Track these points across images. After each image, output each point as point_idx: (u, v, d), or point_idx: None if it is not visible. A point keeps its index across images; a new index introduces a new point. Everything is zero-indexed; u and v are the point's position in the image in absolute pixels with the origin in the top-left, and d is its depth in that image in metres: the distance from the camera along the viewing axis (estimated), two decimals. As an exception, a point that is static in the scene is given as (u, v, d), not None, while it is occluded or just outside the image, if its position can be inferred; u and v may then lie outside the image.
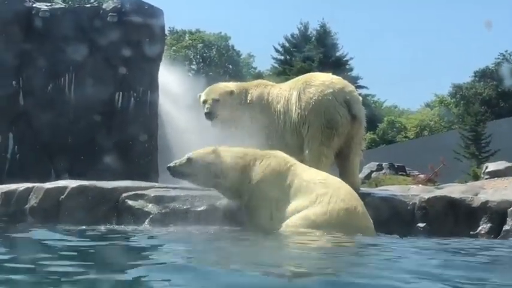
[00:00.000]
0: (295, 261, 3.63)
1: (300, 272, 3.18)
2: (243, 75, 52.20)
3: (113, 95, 16.05)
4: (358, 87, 47.82)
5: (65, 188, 6.82)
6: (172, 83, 18.98)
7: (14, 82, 15.52)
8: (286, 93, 7.11)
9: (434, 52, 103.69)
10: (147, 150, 15.96)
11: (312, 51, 49.87)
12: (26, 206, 6.92)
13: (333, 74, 7.24)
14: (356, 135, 6.92)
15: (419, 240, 5.76)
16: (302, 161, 6.61)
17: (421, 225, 6.39)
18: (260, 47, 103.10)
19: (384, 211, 6.42)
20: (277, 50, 55.31)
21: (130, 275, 2.94)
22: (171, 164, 6.03)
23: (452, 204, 6.46)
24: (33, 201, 6.90)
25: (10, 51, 15.54)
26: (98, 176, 8.08)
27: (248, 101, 7.25)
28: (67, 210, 6.69)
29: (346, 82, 7.05)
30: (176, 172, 6.00)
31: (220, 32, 59.33)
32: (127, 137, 15.75)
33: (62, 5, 20.24)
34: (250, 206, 5.89)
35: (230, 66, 56.97)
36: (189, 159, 5.97)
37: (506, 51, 44.65)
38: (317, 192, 5.56)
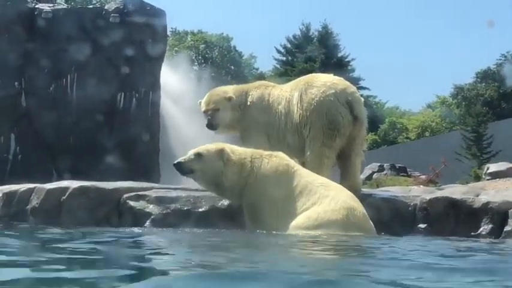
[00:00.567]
0: (297, 263, 3.63)
1: (302, 273, 3.18)
2: (244, 76, 52.18)
3: (114, 95, 16.08)
4: (360, 88, 47.80)
5: (66, 188, 6.82)
6: (174, 83, 19.02)
7: (16, 83, 15.55)
8: (288, 94, 7.11)
9: (436, 53, 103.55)
10: (149, 150, 15.99)
11: (313, 52, 49.86)
12: (28, 206, 6.93)
13: (335, 74, 7.24)
14: (357, 136, 6.91)
15: (420, 241, 5.75)
16: (304, 162, 6.62)
17: (422, 226, 6.39)
18: (262, 47, 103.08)
19: (385, 212, 6.43)
20: (279, 51, 55.34)
21: (130, 276, 2.94)
22: (179, 160, 5.96)
23: (454, 205, 6.46)
24: (34, 201, 6.90)
25: (13, 51, 15.58)
26: (100, 176, 8.09)
27: (249, 102, 7.26)
28: (68, 210, 6.70)
29: (347, 83, 7.05)
30: (184, 168, 5.92)
31: (222, 33, 59.34)
32: (129, 137, 15.77)
33: (65, 6, 20.28)
34: (252, 206, 5.88)
35: (232, 67, 56.95)
36: (198, 155, 5.93)
37: (508, 52, 44.63)
38: (319, 193, 5.59)
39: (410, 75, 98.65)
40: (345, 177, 6.96)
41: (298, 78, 7.46)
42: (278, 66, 54.95)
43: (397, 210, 6.52)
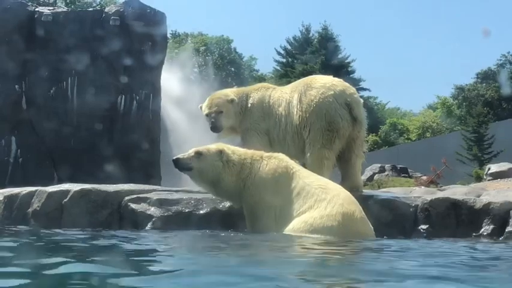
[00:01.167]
0: (294, 267, 3.62)
1: (299, 278, 3.17)
2: (245, 78, 52.23)
3: (115, 99, 16.10)
4: (360, 89, 47.88)
5: (67, 191, 6.82)
6: (174, 86, 19.03)
7: (17, 86, 15.57)
8: (287, 95, 7.12)
9: (436, 54, 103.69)
10: (150, 155, 16.00)
11: (313, 53, 49.86)
12: (29, 209, 6.93)
13: (335, 76, 7.24)
14: (357, 138, 6.91)
15: (421, 242, 5.75)
16: (304, 164, 6.61)
17: (423, 227, 6.37)
18: (262, 49, 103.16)
19: (386, 213, 6.41)
20: (279, 53, 55.39)
21: (131, 279, 2.94)
22: (178, 156, 5.96)
23: (455, 206, 6.45)
24: (35, 204, 6.90)
25: (14, 56, 15.59)
26: (101, 179, 8.11)
27: (249, 104, 7.26)
28: (70, 213, 6.69)
29: (347, 84, 7.05)
30: (182, 165, 5.92)
31: (223, 35, 59.39)
32: (130, 142, 15.79)
33: (65, 9, 20.30)
34: (251, 208, 5.87)
35: (232, 69, 56.98)
36: (197, 153, 5.94)
37: (508, 52, 44.65)
38: (316, 196, 5.53)
39: (411, 76, 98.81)
40: (346, 178, 6.96)
41: (298, 80, 7.47)
42: (278, 68, 55.02)
43: (398, 211, 6.51)
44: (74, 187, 6.88)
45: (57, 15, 16.50)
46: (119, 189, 6.88)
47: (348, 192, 5.71)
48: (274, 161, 5.92)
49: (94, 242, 5.10)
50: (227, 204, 6.38)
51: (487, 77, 43.46)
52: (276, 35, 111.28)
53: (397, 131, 48.65)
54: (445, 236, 6.14)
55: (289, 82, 7.91)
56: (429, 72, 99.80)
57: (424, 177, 20.33)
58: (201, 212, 6.37)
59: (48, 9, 17.01)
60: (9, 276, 2.90)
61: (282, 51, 55.22)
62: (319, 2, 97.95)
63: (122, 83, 16.12)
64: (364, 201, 6.27)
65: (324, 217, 5.36)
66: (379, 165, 23.15)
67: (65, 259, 3.65)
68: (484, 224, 6.27)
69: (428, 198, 6.62)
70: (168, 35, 23.79)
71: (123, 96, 16.20)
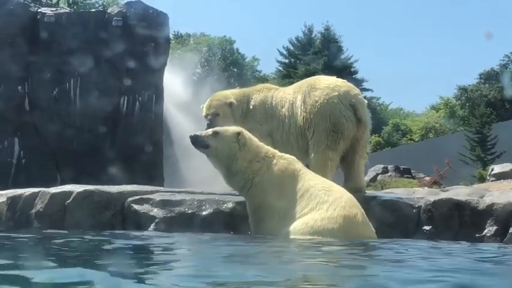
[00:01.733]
0: (295, 270, 3.62)
1: (300, 280, 3.17)
2: (247, 78, 52.23)
3: (118, 101, 16.11)
4: (363, 90, 47.82)
5: (70, 192, 6.82)
6: (177, 86, 19.04)
7: (19, 88, 15.58)
8: (291, 96, 7.11)
9: (439, 54, 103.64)
10: (153, 157, 16.00)
11: (316, 54, 49.85)
12: (32, 210, 6.93)
13: (338, 77, 7.23)
14: (361, 138, 6.90)
15: (424, 243, 5.74)
16: (308, 165, 6.60)
17: (426, 228, 6.36)
18: (264, 50, 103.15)
19: (389, 214, 6.41)
20: (281, 53, 55.41)
21: (133, 281, 2.94)
22: (196, 133, 5.99)
23: (458, 207, 6.43)
24: (39, 206, 6.90)
25: (17, 58, 15.61)
26: (104, 180, 8.11)
27: (251, 106, 7.25)
28: (73, 214, 6.70)
29: (351, 85, 7.04)
30: (200, 142, 5.93)
31: (225, 36, 59.44)
32: (132, 144, 15.79)
33: (67, 10, 20.33)
34: (255, 207, 5.85)
35: (235, 70, 57.02)
36: (215, 132, 5.96)
37: (511, 53, 44.60)
38: (319, 198, 5.53)
39: (414, 76, 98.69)
40: (349, 179, 6.96)
41: (301, 81, 7.46)
42: (281, 68, 55.02)
43: (401, 212, 6.50)
44: (77, 188, 6.88)
45: (60, 16, 16.51)
46: (121, 190, 6.88)
47: (351, 195, 5.69)
48: (283, 162, 5.91)
49: (97, 243, 5.10)
50: (230, 205, 6.37)
51: (490, 77, 43.39)
52: (278, 36, 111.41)
53: (400, 132, 48.62)
54: (448, 237, 6.13)
55: (292, 83, 7.91)
56: (432, 73, 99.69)
57: (427, 178, 20.32)
58: (204, 213, 6.37)
59: (51, 10, 17.03)
60: (11, 278, 2.90)
61: (285, 52, 55.27)
62: (321, 2, 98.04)
63: (125, 85, 16.12)
64: (367, 202, 6.27)
65: (325, 219, 5.35)
66: (382, 166, 23.14)
67: (67, 260, 3.65)
68: (487, 225, 6.25)
69: (432, 199, 6.61)
70: (171, 36, 23.80)
71: (126, 97, 16.21)
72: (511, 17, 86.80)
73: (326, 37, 51.99)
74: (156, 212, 6.46)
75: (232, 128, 6.09)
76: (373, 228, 5.58)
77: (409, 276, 3.17)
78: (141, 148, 15.68)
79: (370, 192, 7.89)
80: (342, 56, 51.34)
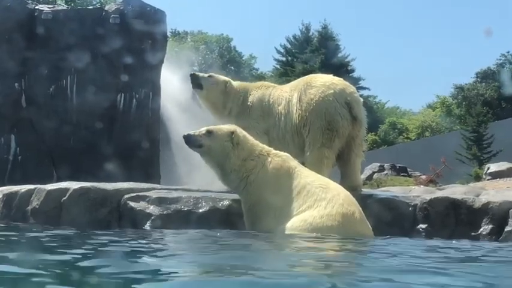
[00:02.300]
0: (294, 265, 3.63)
1: (298, 276, 3.18)
2: (245, 76, 52.18)
3: (115, 97, 16.07)
4: (360, 88, 47.91)
5: (66, 189, 6.81)
6: (174, 84, 19.00)
7: (16, 84, 15.54)
8: (287, 94, 7.12)
9: (436, 53, 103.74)
10: (149, 153, 15.97)
11: (313, 52, 49.86)
12: (28, 207, 6.93)
13: (335, 75, 7.24)
14: (357, 137, 6.91)
15: (420, 242, 5.75)
16: (303, 163, 6.60)
17: (422, 226, 6.38)
18: (262, 48, 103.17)
19: (385, 212, 6.42)
20: (279, 52, 55.40)
21: (129, 278, 2.94)
22: (190, 133, 5.99)
23: (454, 206, 6.45)
24: (35, 202, 6.90)
25: (13, 54, 15.57)
26: (101, 177, 8.10)
27: (249, 102, 7.27)
28: (69, 212, 6.69)
29: (347, 83, 7.05)
30: (193, 141, 5.94)
31: (222, 34, 59.43)
32: (129, 140, 15.77)
33: (65, 7, 20.29)
34: (250, 205, 5.86)
35: (232, 68, 57.01)
36: (208, 131, 5.96)
37: (508, 52, 44.68)
38: (316, 195, 5.53)
39: (411, 75, 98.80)
40: (345, 177, 6.97)
41: (298, 79, 7.47)
42: (278, 66, 55.03)
43: (397, 210, 6.51)
44: (73, 185, 6.87)
45: (57, 13, 16.46)
46: (118, 187, 6.88)
47: (348, 193, 5.70)
48: (279, 159, 5.90)
49: (93, 241, 5.10)
50: (226, 202, 6.38)
51: (487, 76, 43.47)
52: (275, 34, 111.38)
53: (396, 130, 48.69)
54: (444, 236, 6.14)
55: (289, 81, 7.92)
56: (429, 72, 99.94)
57: (423, 177, 20.35)
58: (200, 210, 6.37)
59: (48, 7, 16.99)
60: (6, 275, 2.90)
61: (282, 50, 55.27)
62: (319, 1, 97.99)
63: (122, 82, 16.09)
64: (363, 200, 6.28)
65: (324, 216, 5.35)
66: (379, 164, 23.18)
67: (63, 257, 3.65)
68: (483, 223, 6.27)
69: (428, 197, 6.63)
70: (168, 34, 23.78)
71: (123, 94, 16.18)
72: (508, 16, 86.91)
73: (323, 35, 51.99)
74: (152, 209, 6.46)
75: (226, 127, 6.08)
76: (370, 226, 5.59)
77: (404, 273, 3.18)
78: (137, 145, 15.65)
79: (366, 190, 7.90)
80: (339, 55, 51.39)
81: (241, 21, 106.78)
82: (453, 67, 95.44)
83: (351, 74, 47.71)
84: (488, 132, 24.11)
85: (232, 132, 5.94)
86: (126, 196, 6.66)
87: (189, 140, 5.96)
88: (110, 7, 17.31)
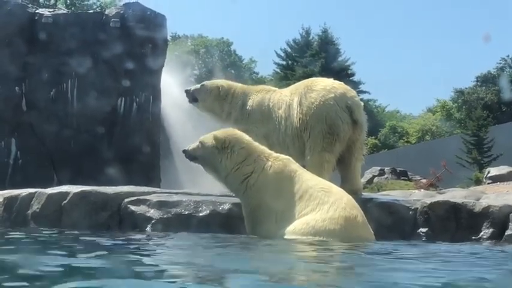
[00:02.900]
0: (296, 270, 3.63)
1: (300, 280, 3.18)
2: (244, 80, 52.23)
3: (115, 102, 16.09)
4: (360, 92, 47.91)
5: (67, 193, 6.81)
6: (174, 88, 19.02)
7: (17, 88, 15.56)
8: (288, 98, 7.11)
9: (436, 57, 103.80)
10: (150, 157, 15.98)
11: (313, 56, 49.89)
12: (28, 211, 6.93)
13: (335, 79, 7.23)
14: (357, 141, 6.91)
15: (420, 245, 5.75)
16: (304, 166, 6.60)
17: (423, 230, 6.37)
18: (262, 52, 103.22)
19: (385, 216, 6.41)
20: (279, 55, 55.44)
21: (128, 282, 2.94)
22: (186, 148, 6.13)
23: (455, 209, 6.44)
24: (35, 206, 6.90)
25: (14, 58, 15.59)
26: (101, 181, 8.10)
27: (248, 106, 7.27)
28: (69, 215, 6.69)
29: (347, 87, 7.04)
30: (189, 156, 6.11)
31: (223, 37, 59.49)
32: (130, 144, 15.78)
33: (65, 11, 20.33)
34: (251, 209, 5.85)
35: (232, 72, 57.05)
36: (200, 143, 6.03)
37: (508, 56, 44.72)
38: (319, 199, 5.52)
39: (411, 79, 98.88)
40: (345, 181, 6.96)
41: (298, 83, 7.46)
42: (278, 70, 55.06)
43: (397, 214, 6.50)
44: (74, 189, 6.87)
45: (58, 17, 16.49)
46: (118, 191, 6.87)
47: (350, 196, 5.68)
48: (280, 163, 5.88)
49: (93, 245, 5.09)
50: (227, 206, 6.37)
51: (487, 80, 43.51)
52: (276, 38, 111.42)
53: (396, 134, 48.68)
54: (445, 239, 6.13)
55: (289, 85, 7.92)
56: (429, 75, 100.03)
57: (424, 181, 20.34)
58: (201, 214, 6.36)
59: (49, 11, 17.02)
60: (6, 279, 2.90)
61: (282, 54, 55.31)
62: (319, 5, 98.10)
63: (123, 86, 16.11)
64: (364, 204, 6.26)
65: (326, 220, 5.34)
66: (379, 168, 23.16)
67: (63, 261, 3.65)
68: (483, 227, 6.26)
69: (428, 201, 6.62)
70: (169, 38, 23.82)
71: (123, 98, 16.20)
72: (508, 20, 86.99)
73: (323, 39, 52.02)
74: (152, 213, 6.46)
75: (213, 133, 6.10)
76: (371, 230, 5.59)
77: (405, 278, 3.18)
78: (138, 149, 15.67)
79: (366, 194, 7.89)
80: (339, 59, 51.40)
81: (241, 25, 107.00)
82: (453, 71, 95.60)
83: (351, 78, 47.70)
84: (489, 136, 24.10)
85: (222, 139, 5.95)
86: (126, 200, 6.66)
87: (186, 155, 6.14)
88: (111, 11, 17.34)
